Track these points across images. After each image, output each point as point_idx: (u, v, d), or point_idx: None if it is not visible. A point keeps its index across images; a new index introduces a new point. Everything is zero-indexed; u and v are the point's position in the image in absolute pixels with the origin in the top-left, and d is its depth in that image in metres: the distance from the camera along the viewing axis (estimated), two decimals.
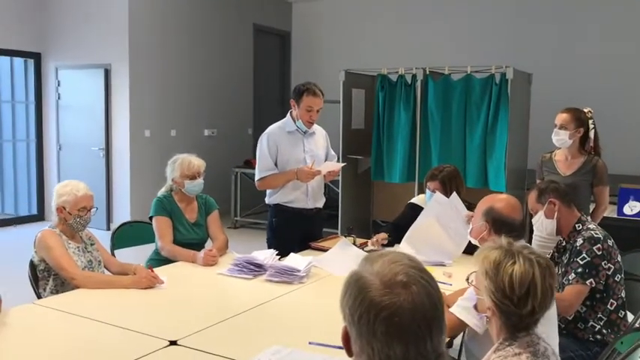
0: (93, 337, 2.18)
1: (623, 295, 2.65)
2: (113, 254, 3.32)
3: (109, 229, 6.99)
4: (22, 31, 7.52)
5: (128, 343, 2.12)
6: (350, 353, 1.14)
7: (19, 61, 7.90)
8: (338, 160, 3.95)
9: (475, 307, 1.69)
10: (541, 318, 1.59)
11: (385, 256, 1.12)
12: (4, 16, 7.30)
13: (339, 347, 2.09)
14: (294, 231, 3.69)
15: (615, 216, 4.97)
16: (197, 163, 3.48)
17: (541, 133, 5.75)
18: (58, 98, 7.72)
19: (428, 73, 5.85)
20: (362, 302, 1.06)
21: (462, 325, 2.15)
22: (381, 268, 1.08)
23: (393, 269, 1.08)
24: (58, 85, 7.70)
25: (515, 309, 1.53)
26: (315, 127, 3.75)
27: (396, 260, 1.10)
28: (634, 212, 4.97)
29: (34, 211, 7.97)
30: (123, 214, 7.17)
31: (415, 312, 1.04)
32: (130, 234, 3.73)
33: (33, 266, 2.84)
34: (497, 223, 2.34)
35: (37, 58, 7.77)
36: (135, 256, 3.47)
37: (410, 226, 3.41)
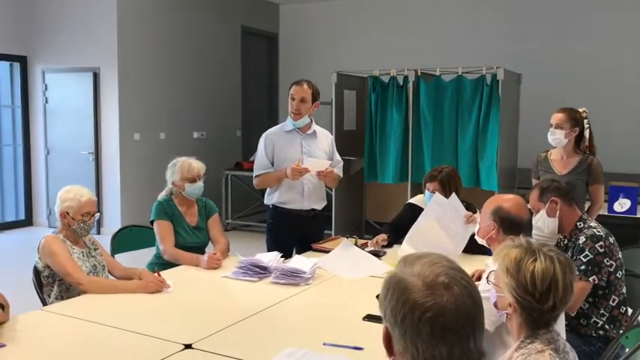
0: (107, 342, 2.18)
1: (624, 291, 2.71)
2: (113, 258, 3.30)
3: (99, 232, 6.94)
4: (7, 35, 7.42)
5: (143, 347, 2.12)
6: (390, 353, 1.15)
7: (4, 65, 7.79)
8: (343, 166, 3.94)
9: (495, 304, 1.71)
10: (561, 314, 1.62)
11: (424, 258, 1.14)
12: None
13: (355, 348, 2.14)
14: (292, 232, 3.70)
15: (606, 213, 5.06)
16: (197, 165, 3.47)
17: (530, 132, 5.85)
18: (46, 102, 7.64)
19: (419, 74, 5.91)
20: (405, 303, 1.08)
21: None
22: (422, 270, 1.10)
23: (434, 270, 1.10)
24: (46, 88, 7.62)
25: (537, 305, 1.57)
26: (318, 129, 3.76)
27: (435, 262, 1.12)
28: (624, 209, 5.06)
29: (22, 217, 7.88)
30: (113, 218, 7.12)
31: (459, 312, 1.06)
32: (129, 238, 3.71)
33: (37, 272, 2.81)
34: (506, 223, 2.38)
35: (22, 61, 7.68)
36: (134, 260, 3.45)
37: (409, 226, 3.43)
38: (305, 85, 3.63)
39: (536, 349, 1.56)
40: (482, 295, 1.16)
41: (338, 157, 3.86)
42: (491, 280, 1.72)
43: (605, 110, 6.90)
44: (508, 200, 2.45)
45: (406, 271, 1.12)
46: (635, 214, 5.06)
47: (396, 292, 1.10)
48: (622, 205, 5.06)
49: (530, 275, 1.57)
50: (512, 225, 2.37)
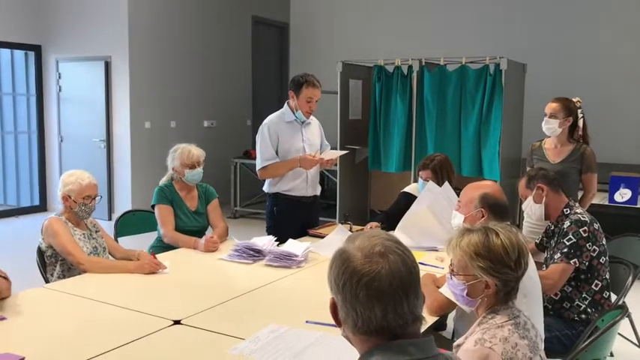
0: (101, 317, 2.29)
1: (607, 276, 2.76)
2: (117, 242, 3.42)
3: (110, 219, 7.10)
4: (22, 24, 7.59)
5: (135, 322, 2.23)
6: (338, 323, 1.25)
7: (19, 54, 7.97)
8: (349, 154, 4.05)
9: (467, 294, 1.72)
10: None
11: (365, 234, 1.27)
12: (4, 8, 7.37)
13: (335, 325, 2.22)
14: (295, 218, 3.79)
15: (607, 203, 5.10)
16: (196, 152, 3.57)
17: (536, 122, 5.86)
18: (59, 90, 7.81)
19: (424, 64, 5.94)
20: (345, 271, 1.20)
21: (451, 305, 2.25)
22: (362, 242, 1.22)
23: (372, 242, 1.22)
24: (59, 77, 7.79)
25: (514, 273, 1.66)
26: (311, 117, 3.84)
27: (374, 235, 1.25)
28: (624, 199, 5.10)
29: (36, 202, 8.07)
30: (124, 204, 7.27)
31: (392, 277, 1.17)
32: (132, 222, 3.84)
33: (40, 252, 2.95)
34: (494, 208, 2.43)
35: (37, 50, 7.84)
36: (138, 243, 3.57)
37: (403, 213, 3.51)
38: (319, 86, 3.70)
39: (496, 324, 1.64)
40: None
41: (326, 141, 3.99)
42: (455, 273, 1.75)
43: (609, 101, 6.90)
44: (489, 186, 2.51)
45: (349, 246, 1.24)
46: (636, 205, 5.09)
47: (338, 263, 1.22)
48: (623, 195, 5.10)
49: (503, 249, 1.66)
50: (500, 209, 2.43)
